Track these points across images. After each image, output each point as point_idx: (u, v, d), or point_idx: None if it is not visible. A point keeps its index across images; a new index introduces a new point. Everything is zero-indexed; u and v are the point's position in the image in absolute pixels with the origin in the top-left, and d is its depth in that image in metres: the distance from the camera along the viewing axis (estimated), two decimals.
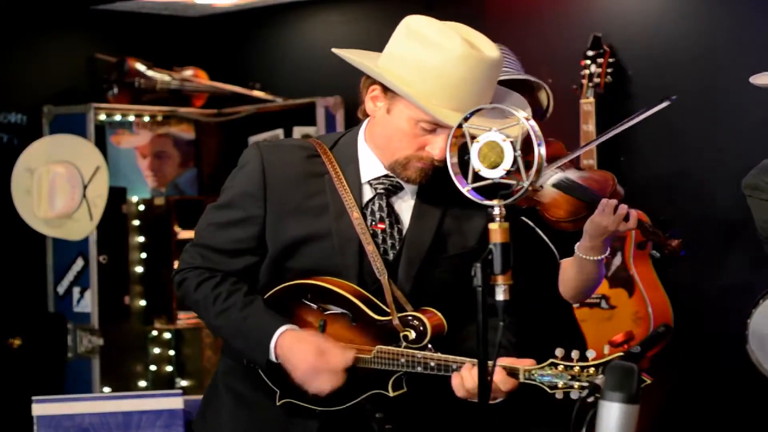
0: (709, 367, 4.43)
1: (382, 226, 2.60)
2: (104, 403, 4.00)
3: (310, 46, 5.74)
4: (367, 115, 2.65)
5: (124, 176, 5.71)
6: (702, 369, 4.44)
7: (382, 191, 2.61)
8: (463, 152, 2.32)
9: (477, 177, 2.30)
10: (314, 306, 2.60)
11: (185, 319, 5.67)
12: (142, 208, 5.74)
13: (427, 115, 2.48)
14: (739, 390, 4.32)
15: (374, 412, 2.50)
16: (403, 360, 2.51)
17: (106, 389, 5.45)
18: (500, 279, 2.23)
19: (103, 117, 5.61)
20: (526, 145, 2.32)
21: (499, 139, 2.26)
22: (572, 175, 2.98)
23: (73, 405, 3.96)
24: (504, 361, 2.45)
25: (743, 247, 4.41)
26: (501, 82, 2.84)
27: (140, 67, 5.67)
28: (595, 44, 4.59)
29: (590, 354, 2.39)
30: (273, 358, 2.55)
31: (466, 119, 2.32)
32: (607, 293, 4.41)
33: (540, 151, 2.25)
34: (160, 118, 5.86)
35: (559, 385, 2.40)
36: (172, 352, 5.87)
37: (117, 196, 5.54)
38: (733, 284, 4.42)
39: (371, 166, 2.62)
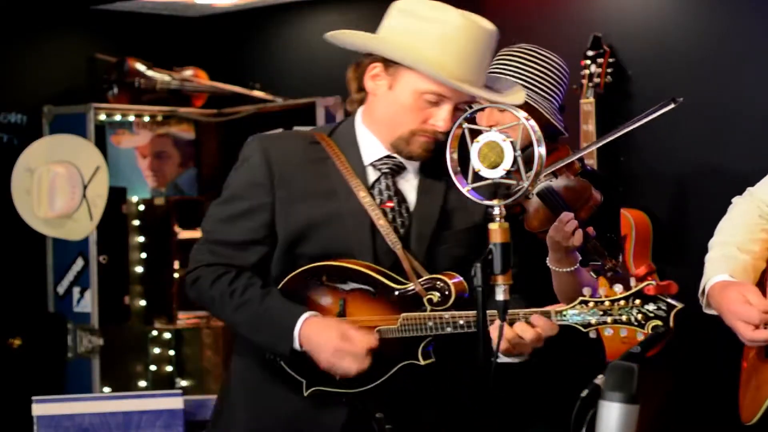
0: (709, 367, 4.43)
1: (391, 204, 2.63)
2: (104, 403, 4.01)
3: (310, 46, 5.73)
4: (356, 106, 2.69)
5: (124, 176, 5.71)
6: (702, 369, 4.44)
7: (387, 171, 2.64)
8: (463, 149, 2.32)
9: (477, 177, 2.30)
10: (331, 286, 2.60)
11: (185, 319, 5.67)
12: (142, 208, 5.74)
13: (434, 86, 2.51)
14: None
15: (374, 412, 2.50)
16: (431, 323, 2.52)
17: (106, 389, 5.45)
18: (500, 279, 2.24)
19: (103, 117, 5.61)
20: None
21: (499, 139, 2.26)
22: (559, 183, 2.99)
23: (73, 405, 3.97)
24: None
25: None
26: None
27: (140, 67, 5.67)
28: (595, 44, 4.59)
29: (617, 288, 2.41)
30: (297, 346, 2.55)
31: (467, 119, 2.33)
32: (608, 293, 4.41)
33: (540, 151, 2.26)
34: (160, 118, 5.86)
35: (592, 322, 2.44)
36: (172, 352, 5.87)
37: (117, 196, 5.53)
38: None
39: (372, 148, 2.65)
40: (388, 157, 2.64)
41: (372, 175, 2.65)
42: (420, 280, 2.56)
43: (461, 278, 2.57)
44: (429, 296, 2.54)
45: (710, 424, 4.42)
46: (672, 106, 2.90)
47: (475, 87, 2.55)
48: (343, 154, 2.64)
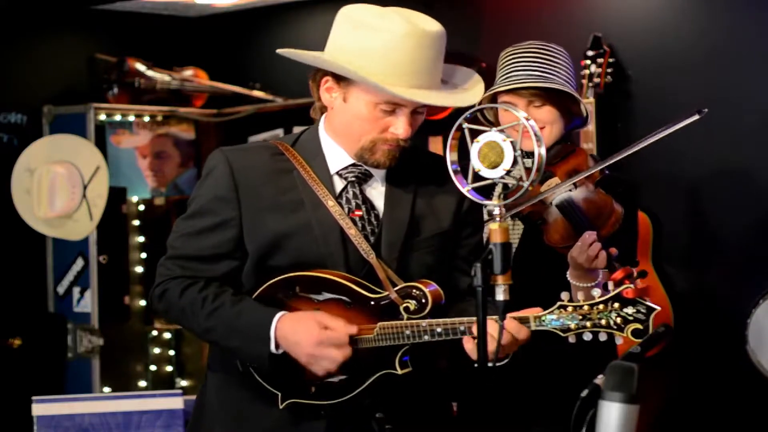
0: (709, 367, 4.43)
1: (359, 213, 2.61)
2: (104, 403, 4.00)
3: (310, 46, 5.69)
4: (320, 114, 2.68)
5: (124, 176, 5.71)
6: (702, 369, 4.44)
7: (353, 179, 2.63)
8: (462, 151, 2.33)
9: (477, 177, 2.30)
10: (305, 297, 2.57)
11: None
12: (142, 208, 5.74)
13: (384, 96, 2.50)
14: (739, 390, 4.32)
15: (374, 411, 2.49)
16: (408, 332, 2.50)
17: (106, 389, 5.45)
18: (500, 279, 2.24)
19: (103, 117, 5.61)
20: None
21: (499, 139, 2.27)
22: (579, 194, 2.98)
23: (73, 405, 3.96)
24: (510, 314, 2.44)
25: (742, 248, 4.41)
26: (550, 90, 2.94)
27: (140, 67, 5.67)
28: (595, 44, 4.59)
29: (596, 293, 2.40)
30: (273, 347, 2.52)
31: (467, 119, 2.33)
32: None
33: (540, 151, 2.26)
34: (160, 118, 5.86)
35: (572, 327, 2.41)
36: (172, 352, 5.87)
37: (117, 196, 5.53)
38: (732, 284, 4.42)
39: (337, 156, 2.63)
40: (353, 165, 2.62)
41: (339, 184, 2.63)
42: (395, 288, 2.54)
43: (437, 286, 2.56)
44: (405, 304, 2.52)
45: (710, 424, 4.42)
46: (697, 117, 2.89)
47: (428, 90, 2.52)
48: (307, 164, 2.62)
